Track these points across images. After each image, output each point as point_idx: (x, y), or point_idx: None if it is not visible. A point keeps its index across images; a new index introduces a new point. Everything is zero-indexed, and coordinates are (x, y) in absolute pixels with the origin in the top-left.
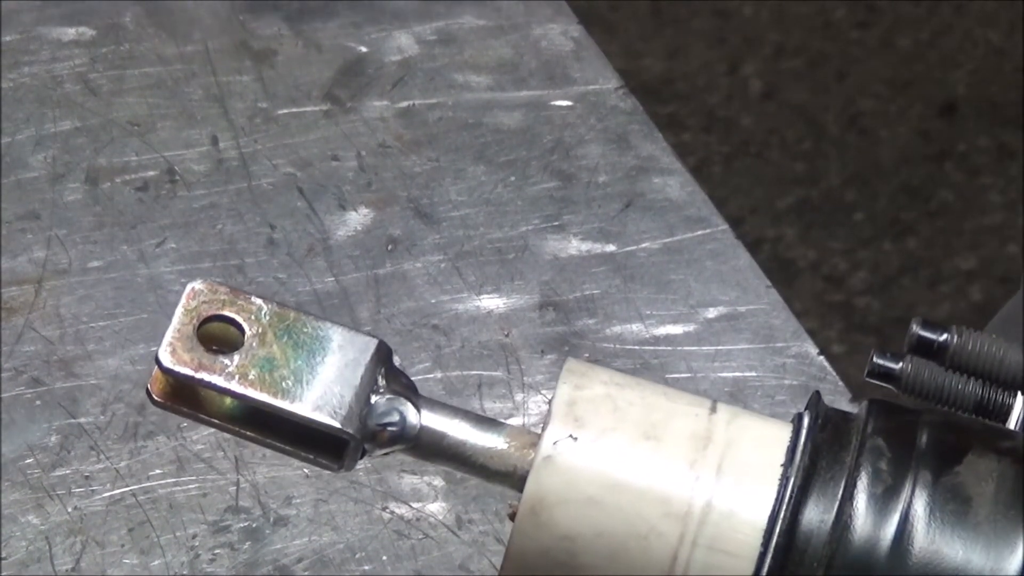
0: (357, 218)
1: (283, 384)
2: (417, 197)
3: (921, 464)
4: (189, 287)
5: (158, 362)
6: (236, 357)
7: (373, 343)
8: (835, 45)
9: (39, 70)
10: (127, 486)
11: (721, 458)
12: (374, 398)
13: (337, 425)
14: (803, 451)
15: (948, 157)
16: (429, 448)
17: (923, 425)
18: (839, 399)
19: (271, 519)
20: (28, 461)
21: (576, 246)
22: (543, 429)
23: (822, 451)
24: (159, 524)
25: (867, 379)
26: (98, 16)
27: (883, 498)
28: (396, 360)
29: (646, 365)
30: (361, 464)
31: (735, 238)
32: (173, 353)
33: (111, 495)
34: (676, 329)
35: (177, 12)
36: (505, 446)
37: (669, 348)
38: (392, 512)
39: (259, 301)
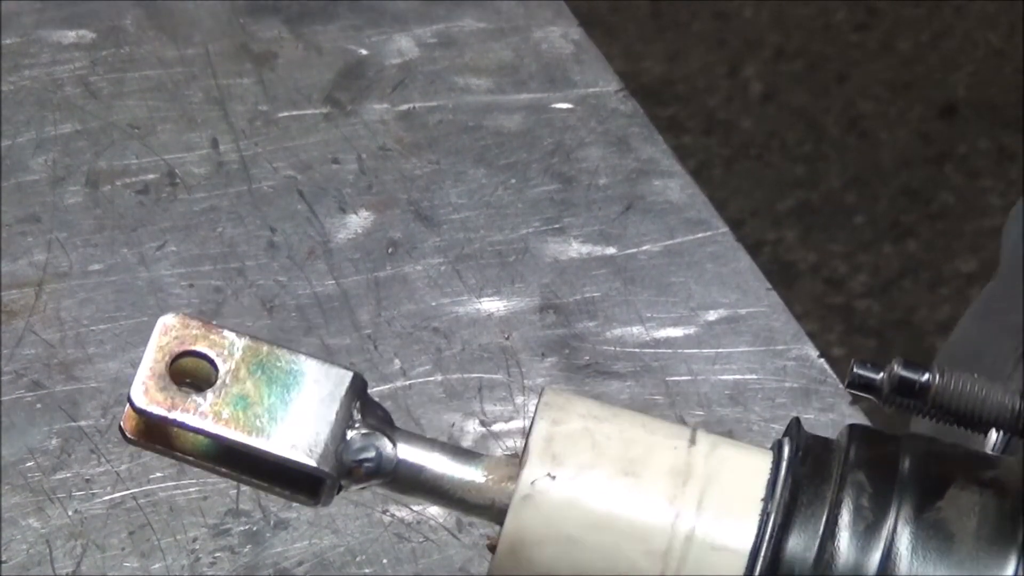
0: (357, 221)
1: (257, 423)
2: (417, 200)
3: (903, 499)
4: (160, 322)
5: (131, 402)
6: (209, 395)
7: (348, 376)
8: (835, 47)
9: (39, 73)
10: (127, 489)
11: (701, 493)
12: (350, 433)
13: (313, 464)
14: (783, 486)
15: (948, 159)
16: (407, 482)
17: (904, 455)
18: (839, 402)
19: (271, 522)
20: (28, 464)
21: (576, 249)
22: (521, 466)
23: (802, 485)
24: (159, 527)
25: (848, 390)
26: (98, 19)
27: (865, 534)
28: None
29: (646, 368)
30: None
31: (735, 241)
32: (146, 392)
33: (111, 498)
34: (676, 332)
35: (177, 15)
36: (483, 479)
37: (670, 351)
38: (392, 515)
39: (231, 335)
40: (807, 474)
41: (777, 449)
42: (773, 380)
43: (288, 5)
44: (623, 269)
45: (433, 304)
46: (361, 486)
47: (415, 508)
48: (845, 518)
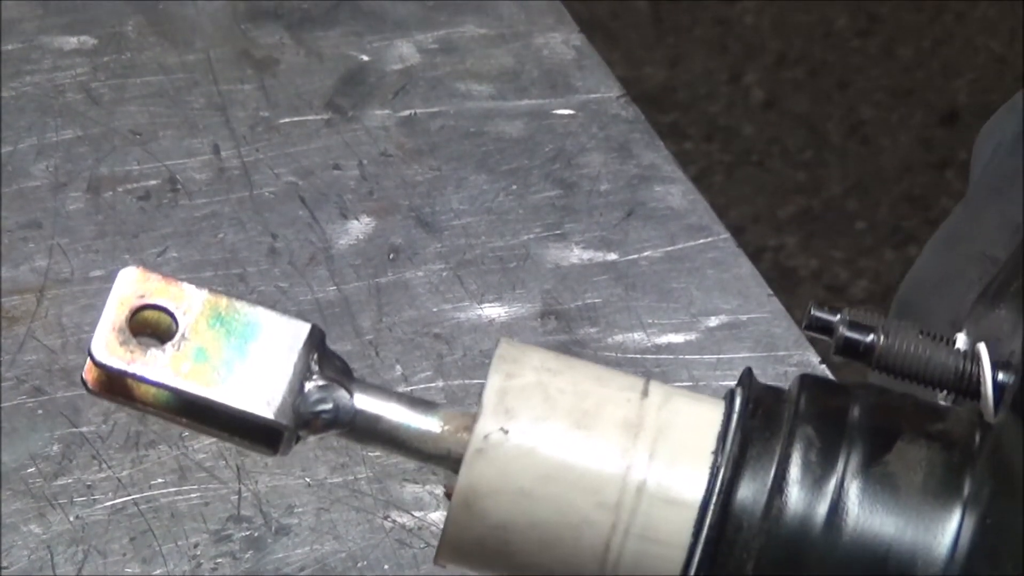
0: (359, 227)
1: (215, 375)
2: (419, 206)
3: (851, 451)
4: (120, 274)
5: (90, 354)
6: (169, 349)
7: (305, 328)
8: (836, 54)
9: (41, 79)
10: (129, 495)
11: (653, 445)
12: (307, 385)
13: (270, 417)
14: (733, 439)
15: (950, 165)
16: (364, 432)
17: (854, 406)
18: None
19: (273, 528)
20: (30, 470)
21: (578, 255)
22: (475, 420)
23: (752, 437)
24: (161, 533)
25: (804, 331)
26: (100, 25)
27: (813, 488)
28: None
29: (647, 374)
30: (362, 473)
31: (737, 247)
32: (106, 345)
33: (113, 504)
34: (678, 338)
35: (179, 21)
36: (440, 429)
37: (671, 357)
38: (394, 521)
39: (191, 288)
40: (757, 426)
41: (728, 400)
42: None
43: (289, 11)
44: (624, 275)
45: (434, 310)
46: (319, 436)
47: (416, 514)
48: (793, 472)
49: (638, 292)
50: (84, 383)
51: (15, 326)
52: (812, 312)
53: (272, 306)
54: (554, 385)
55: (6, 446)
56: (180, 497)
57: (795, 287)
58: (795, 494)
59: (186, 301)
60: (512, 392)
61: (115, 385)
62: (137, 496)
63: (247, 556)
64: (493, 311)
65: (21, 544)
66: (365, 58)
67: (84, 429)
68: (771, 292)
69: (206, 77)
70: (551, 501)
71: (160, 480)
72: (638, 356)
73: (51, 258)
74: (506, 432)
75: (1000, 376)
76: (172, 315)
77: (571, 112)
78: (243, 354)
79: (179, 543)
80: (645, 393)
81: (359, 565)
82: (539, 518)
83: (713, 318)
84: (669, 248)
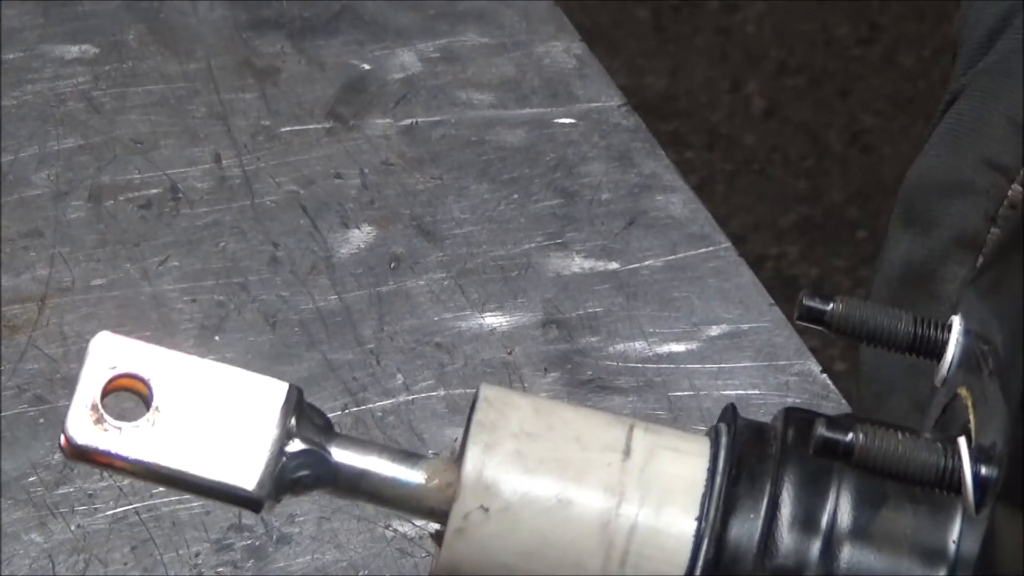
0: (360, 236)
1: (192, 449)
2: (420, 215)
3: (842, 485)
4: (91, 345)
5: (65, 434)
6: (144, 425)
7: (283, 390)
8: (837, 62)
9: (42, 88)
10: (130, 504)
11: (635, 515)
12: (288, 446)
13: (250, 490)
14: (721, 484)
15: None
16: (347, 489)
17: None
18: None
19: (274, 537)
20: (31, 479)
21: (579, 264)
22: (457, 478)
23: (740, 478)
24: (162, 542)
25: (798, 322)
26: (101, 34)
27: (805, 524)
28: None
29: (649, 383)
30: None
31: (738, 256)
32: (80, 428)
33: (114, 513)
34: (679, 347)
35: (180, 30)
36: (423, 486)
37: (672, 366)
38: (395, 530)
39: (165, 354)
40: (745, 466)
41: (714, 440)
42: (776, 395)
43: (291, 20)
44: (625, 284)
45: (436, 319)
46: (302, 495)
47: (418, 523)
48: (784, 511)
49: (639, 301)
50: (62, 450)
51: (16, 335)
52: (804, 302)
53: (278, 324)
54: (534, 455)
55: (7, 455)
56: (181, 506)
57: (796, 296)
58: (787, 533)
59: (160, 368)
60: (490, 466)
61: (92, 455)
62: (138, 505)
63: (248, 565)
64: (494, 320)
65: (23, 553)
66: (366, 67)
67: None
68: (772, 301)
69: (207, 86)
70: (535, 573)
71: (161, 489)
72: (639, 365)
73: (52, 267)
74: (486, 510)
75: (983, 470)
76: (146, 383)
77: (572, 121)
78: (220, 423)
79: (180, 552)
80: (627, 453)
81: (360, 574)
82: None
83: (714, 327)
84: (670, 257)
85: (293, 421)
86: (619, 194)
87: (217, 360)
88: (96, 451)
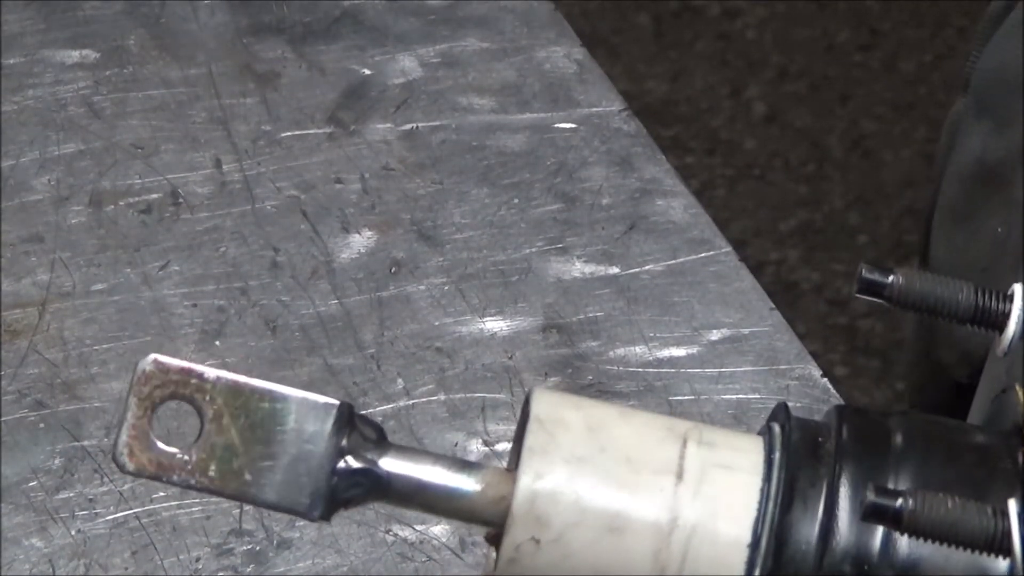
0: (360, 241)
1: (244, 475)
2: (420, 220)
3: (899, 480)
4: (140, 369)
5: (117, 465)
6: (194, 451)
7: (333, 409)
8: (838, 68)
9: (43, 93)
10: (130, 509)
11: (687, 543)
12: (340, 463)
13: (303, 511)
14: (778, 480)
15: None
16: (402, 499)
17: (895, 433)
18: None
19: (274, 542)
20: (32, 484)
21: (579, 268)
22: (513, 486)
23: (799, 474)
24: (163, 547)
25: (857, 295)
26: (102, 39)
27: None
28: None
29: (649, 387)
30: None
31: (738, 260)
32: (131, 455)
33: (115, 518)
34: (679, 351)
35: (181, 35)
36: (478, 494)
37: (673, 370)
38: (396, 535)
39: (212, 376)
40: (801, 462)
41: (767, 462)
42: (776, 399)
43: (291, 25)
44: (626, 289)
45: (436, 324)
46: (357, 507)
47: (418, 528)
48: (843, 505)
49: (640, 306)
50: (121, 467)
51: (17, 340)
52: (864, 275)
53: (279, 329)
54: (585, 482)
55: (7, 460)
56: (182, 511)
57: (797, 301)
58: (847, 528)
59: (208, 392)
60: (542, 497)
61: (144, 477)
62: (139, 510)
63: (248, 570)
64: (495, 325)
65: (23, 558)
66: (367, 72)
67: (86, 443)
68: (773, 306)
69: (208, 91)
70: None
71: (162, 494)
72: (640, 370)
73: (53, 272)
74: (537, 541)
75: None
76: (197, 406)
77: (573, 126)
78: (270, 449)
79: (181, 557)
80: (679, 476)
81: None
82: None
83: (715, 332)
84: (671, 262)
85: (344, 441)
86: (620, 199)
87: (268, 382)
88: (147, 474)
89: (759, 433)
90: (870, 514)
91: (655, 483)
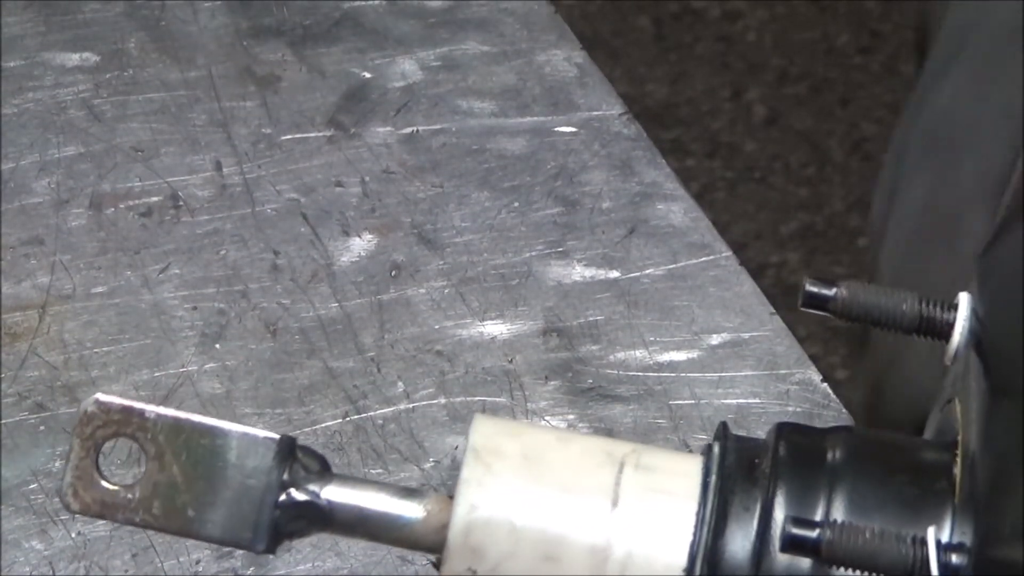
0: (361, 244)
1: (187, 512)
2: (421, 223)
3: (833, 496)
4: (82, 409)
5: (63, 504)
6: (138, 489)
7: (272, 444)
8: (838, 71)
9: (43, 96)
10: None
11: (621, 573)
12: (282, 497)
13: (246, 545)
14: (713, 496)
15: None
16: (345, 529)
17: (832, 450)
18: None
19: None
20: (32, 486)
21: (580, 272)
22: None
23: (735, 490)
24: (163, 550)
25: (802, 308)
26: (102, 42)
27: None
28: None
29: (650, 392)
30: None
31: (739, 264)
32: (75, 495)
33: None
34: (680, 356)
35: (181, 38)
36: (420, 522)
37: (673, 375)
38: None
39: (153, 415)
40: (737, 479)
41: (704, 484)
42: (776, 404)
43: (292, 28)
44: (626, 293)
45: (436, 327)
46: (301, 538)
47: None
48: (777, 520)
49: (640, 310)
50: (67, 507)
51: (17, 342)
52: (807, 288)
53: (279, 332)
54: (520, 513)
55: (8, 462)
56: None
57: (797, 304)
58: (778, 552)
59: (149, 430)
60: (476, 528)
61: (90, 515)
62: None
63: (248, 572)
64: (495, 328)
65: (23, 561)
66: (367, 75)
67: None
68: (773, 310)
69: (208, 94)
70: None
71: None
72: (640, 374)
73: (53, 274)
74: (474, 573)
75: (953, 559)
76: (140, 443)
77: (573, 129)
78: (212, 486)
79: (181, 559)
80: (615, 502)
81: None
82: None
83: (715, 336)
84: (671, 266)
85: (286, 474)
86: (620, 202)
87: (208, 417)
88: (92, 513)
89: (702, 453)
90: (788, 546)
91: (590, 510)
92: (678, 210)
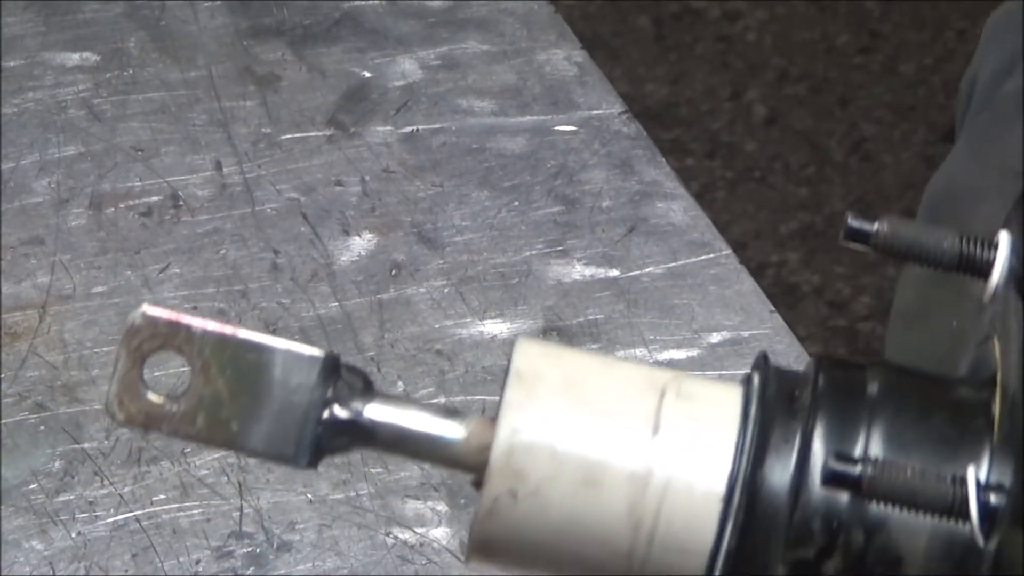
0: (361, 243)
1: (231, 425)
2: (421, 222)
3: (872, 428)
4: (129, 321)
5: (109, 415)
6: (183, 401)
7: (317, 362)
8: (838, 71)
9: (43, 95)
10: (131, 511)
11: (661, 496)
12: (325, 414)
13: (288, 460)
14: (753, 425)
15: None
16: (387, 446)
17: (871, 383)
18: None
19: (275, 544)
20: (32, 486)
21: (580, 271)
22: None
23: (775, 421)
24: (163, 550)
25: (844, 242)
26: (102, 41)
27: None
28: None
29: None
30: (364, 489)
31: (739, 263)
32: (120, 406)
33: (115, 520)
34: (680, 354)
35: (181, 37)
36: (462, 442)
37: None
38: (396, 537)
39: (199, 329)
40: (777, 410)
41: (746, 388)
42: None
43: (292, 28)
44: (626, 291)
45: (436, 326)
46: (343, 453)
47: (419, 531)
48: (816, 452)
49: (640, 308)
50: (113, 418)
51: (17, 342)
52: (850, 222)
53: (279, 331)
54: (561, 437)
55: (8, 462)
56: (182, 513)
57: (797, 303)
58: (818, 484)
59: (196, 344)
60: (519, 451)
61: (135, 427)
62: (139, 512)
63: (248, 572)
64: (495, 327)
65: (23, 561)
66: (367, 74)
67: (86, 445)
68: (773, 308)
69: (208, 93)
70: (564, 552)
71: (162, 496)
72: None
73: (53, 274)
74: (515, 495)
75: (992, 499)
76: (186, 357)
77: (573, 128)
78: (256, 400)
79: (181, 559)
80: (655, 428)
81: None
82: (555, 565)
83: (715, 334)
84: (671, 264)
85: (330, 391)
86: (620, 201)
87: (255, 332)
88: (137, 423)
89: (741, 382)
90: (830, 480)
91: (631, 436)
92: (678, 209)
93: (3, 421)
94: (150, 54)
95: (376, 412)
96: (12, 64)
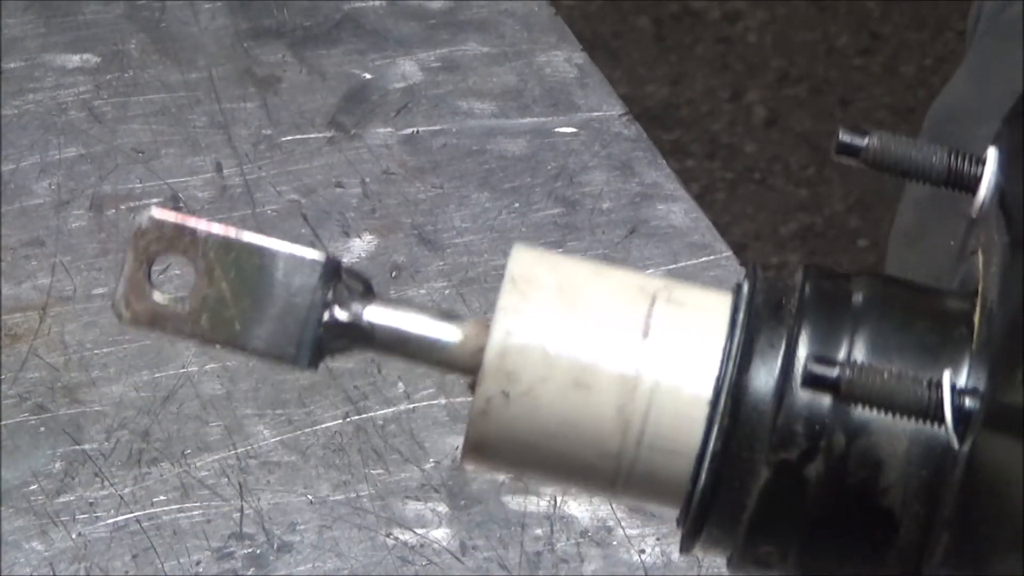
0: (361, 245)
1: (235, 325)
2: (421, 224)
3: (855, 335)
4: (137, 223)
5: (116, 315)
6: (188, 302)
7: (319, 265)
8: (838, 72)
9: (43, 97)
10: (131, 512)
11: (648, 403)
12: (326, 315)
13: (289, 361)
14: (740, 330)
15: None
16: (385, 348)
17: (856, 292)
18: None
19: (275, 545)
20: (32, 488)
21: None
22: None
23: (761, 327)
24: (163, 551)
25: (835, 156)
26: (102, 43)
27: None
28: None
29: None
30: (365, 490)
31: (739, 264)
32: (127, 306)
33: (115, 521)
34: None
35: (181, 39)
36: (458, 345)
37: None
38: (396, 538)
39: (204, 232)
40: (764, 316)
41: (735, 295)
42: None
43: (292, 29)
44: None
45: None
46: (342, 355)
47: (419, 531)
48: (800, 357)
49: None
50: (119, 317)
51: (17, 344)
52: (840, 137)
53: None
54: (553, 340)
55: (8, 463)
56: (182, 514)
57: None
58: (801, 387)
59: (200, 247)
60: (512, 352)
61: (140, 327)
62: (139, 513)
63: (249, 573)
64: None
65: (23, 562)
66: (367, 76)
67: (86, 446)
68: None
69: (208, 95)
70: (556, 453)
71: (162, 497)
72: None
73: (53, 276)
74: (507, 395)
75: (966, 403)
76: (190, 258)
77: (573, 130)
78: (258, 302)
79: (181, 560)
80: (645, 333)
81: None
82: (546, 465)
83: None
84: (671, 266)
85: (330, 294)
86: (620, 203)
87: (258, 235)
88: (143, 323)
89: (732, 290)
90: (809, 382)
91: (621, 340)
92: (678, 211)
93: (3, 422)
94: (150, 56)
95: (375, 314)
96: (12, 66)
